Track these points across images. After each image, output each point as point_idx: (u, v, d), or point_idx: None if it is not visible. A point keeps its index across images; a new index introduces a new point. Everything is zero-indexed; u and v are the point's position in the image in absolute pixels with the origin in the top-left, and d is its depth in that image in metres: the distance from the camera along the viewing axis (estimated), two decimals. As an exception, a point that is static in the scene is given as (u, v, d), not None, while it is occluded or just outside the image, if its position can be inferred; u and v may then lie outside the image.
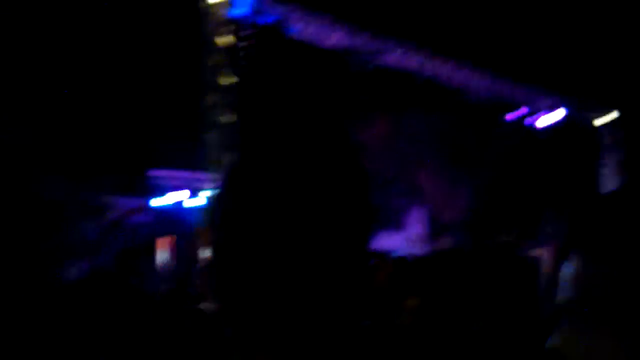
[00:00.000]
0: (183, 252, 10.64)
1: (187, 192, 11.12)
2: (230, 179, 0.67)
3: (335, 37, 11.39)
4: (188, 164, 11.31)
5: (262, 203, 0.61)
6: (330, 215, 0.62)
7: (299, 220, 0.61)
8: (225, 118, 10.20)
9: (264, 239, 0.61)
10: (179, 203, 11.35)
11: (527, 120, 15.99)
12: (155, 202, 11.36)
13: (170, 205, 11.34)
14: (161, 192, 11.43)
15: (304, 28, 10.82)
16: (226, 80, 10.19)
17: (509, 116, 15.70)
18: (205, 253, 8.83)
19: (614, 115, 17.14)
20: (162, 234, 11.61)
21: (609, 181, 17.55)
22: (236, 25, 10.06)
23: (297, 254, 0.61)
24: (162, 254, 10.80)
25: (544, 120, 16.08)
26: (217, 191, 0.67)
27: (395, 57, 12.83)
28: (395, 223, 15.38)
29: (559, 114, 16.20)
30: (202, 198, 10.51)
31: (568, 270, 0.97)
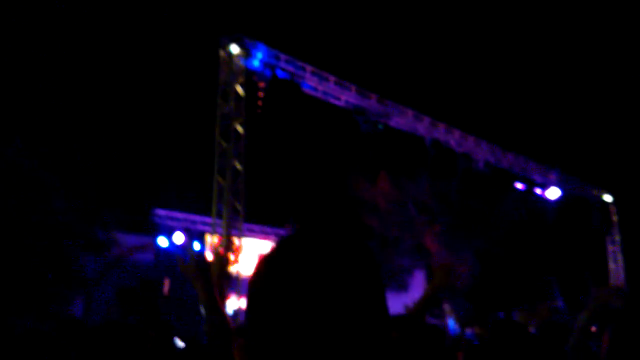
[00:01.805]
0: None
1: (190, 234, 11.13)
2: (265, 268, 0.71)
3: (345, 96, 11.75)
4: (194, 206, 11.45)
5: (294, 289, 0.66)
6: (354, 290, 0.66)
7: (327, 299, 0.65)
8: (235, 165, 10.40)
9: (297, 321, 0.65)
10: (183, 244, 11.30)
11: (535, 192, 16.03)
12: (160, 241, 11.32)
13: (173, 245, 11.29)
14: (165, 232, 11.47)
15: (316, 85, 11.22)
16: (238, 128, 10.47)
17: (516, 187, 15.75)
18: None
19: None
20: (163, 273, 11.58)
21: (615, 258, 17.36)
22: (252, 76, 10.40)
23: (328, 330, 0.64)
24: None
25: (551, 193, 16.12)
26: (252, 278, 0.72)
27: (404, 120, 13.15)
28: (398, 284, 15.23)
29: (565, 188, 16.28)
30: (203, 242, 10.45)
31: None
